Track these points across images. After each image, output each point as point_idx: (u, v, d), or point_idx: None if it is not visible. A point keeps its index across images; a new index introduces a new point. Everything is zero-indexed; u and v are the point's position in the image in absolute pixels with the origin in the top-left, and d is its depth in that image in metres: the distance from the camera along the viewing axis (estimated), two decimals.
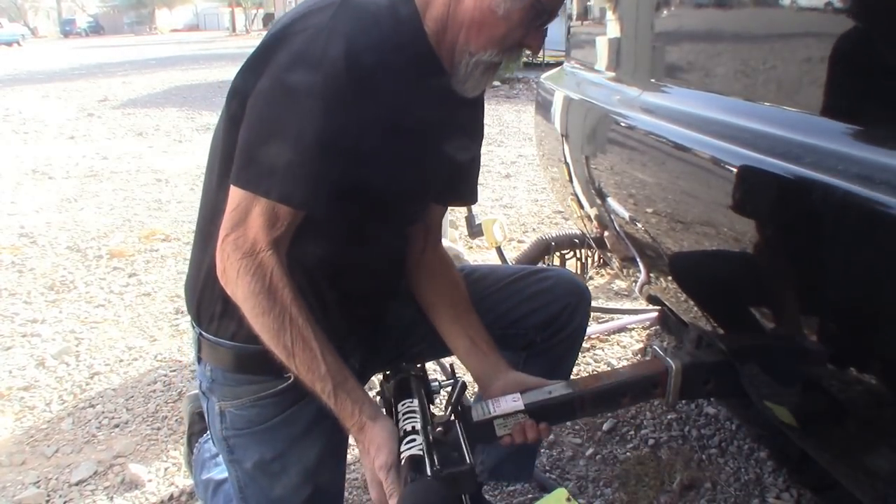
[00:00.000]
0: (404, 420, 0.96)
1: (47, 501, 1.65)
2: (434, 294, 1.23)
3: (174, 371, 2.23)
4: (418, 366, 1.14)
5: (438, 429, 0.92)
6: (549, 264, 2.81)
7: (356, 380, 1.00)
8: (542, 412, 1.09)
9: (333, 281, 1.08)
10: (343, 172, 0.95)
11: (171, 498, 1.65)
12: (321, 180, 0.94)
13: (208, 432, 1.57)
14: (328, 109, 0.91)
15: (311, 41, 0.91)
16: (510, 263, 2.70)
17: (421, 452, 0.87)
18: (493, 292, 1.29)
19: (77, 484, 1.70)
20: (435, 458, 0.86)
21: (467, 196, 1.30)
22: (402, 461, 0.86)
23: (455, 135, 1.12)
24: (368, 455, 0.94)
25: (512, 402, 1.07)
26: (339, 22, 0.91)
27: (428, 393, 1.08)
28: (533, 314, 1.27)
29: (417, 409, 0.99)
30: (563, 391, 1.13)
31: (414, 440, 0.89)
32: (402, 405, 1.00)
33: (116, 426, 1.94)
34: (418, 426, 0.93)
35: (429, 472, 0.83)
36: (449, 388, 1.05)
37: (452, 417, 0.94)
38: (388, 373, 1.13)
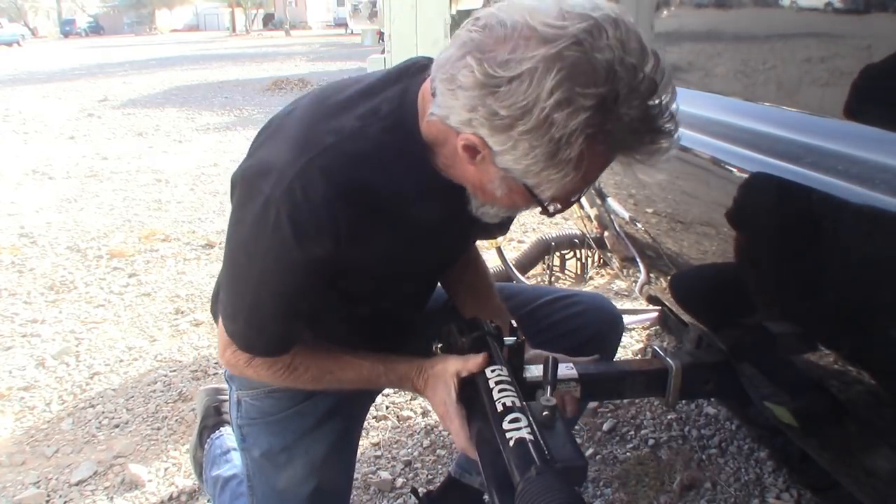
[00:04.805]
0: (498, 393, 0.88)
1: (47, 501, 1.65)
2: (457, 281, 1.22)
3: (174, 371, 2.23)
4: (491, 322, 1.04)
5: (545, 413, 0.85)
6: (548, 264, 2.81)
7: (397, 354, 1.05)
8: (594, 384, 1.05)
9: (361, 331, 1.10)
10: (336, 299, 0.99)
11: (171, 498, 1.65)
12: (284, 334, 0.98)
13: (220, 429, 1.59)
14: (289, 274, 0.89)
15: (273, 201, 0.84)
16: (510, 263, 2.70)
17: (531, 437, 0.79)
18: (522, 315, 1.22)
19: (77, 484, 1.70)
20: (544, 446, 0.78)
21: (496, 233, 1.27)
22: (512, 442, 0.79)
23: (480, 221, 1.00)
24: (432, 395, 1.00)
25: (566, 370, 1.03)
26: (309, 174, 0.84)
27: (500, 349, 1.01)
28: (559, 340, 1.18)
29: (510, 380, 0.91)
30: (617, 368, 1.11)
31: (518, 420, 0.82)
32: (492, 372, 0.93)
33: (116, 426, 1.94)
34: (517, 402, 0.86)
35: (537, 460, 0.75)
36: (512, 343, 1.00)
37: (554, 402, 0.87)
38: (461, 325, 1.04)
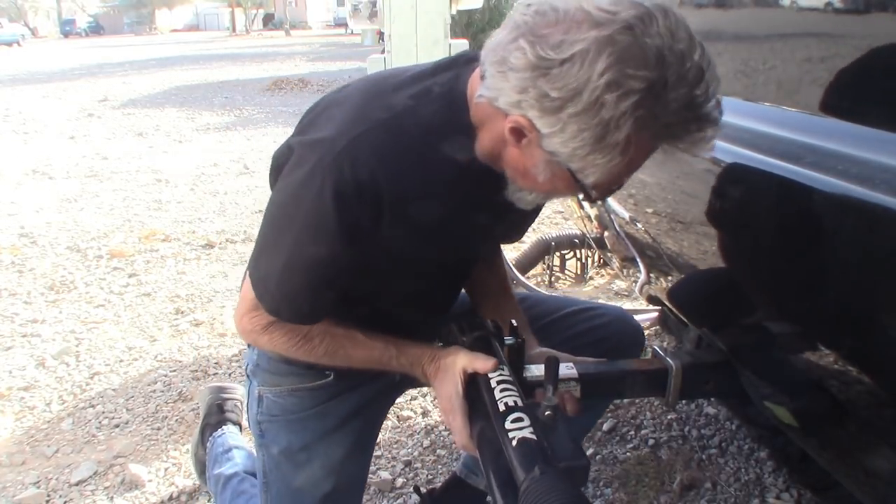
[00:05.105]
0: (500, 393, 0.89)
1: (47, 501, 1.65)
2: (477, 281, 1.22)
3: (174, 371, 2.23)
4: (490, 321, 1.05)
5: (547, 412, 0.85)
6: (548, 264, 2.81)
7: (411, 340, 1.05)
8: (594, 383, 1.06)
9: (386, 322, 1.09)
10: (355, 284, 0.98)
11: (171, 498, 1.65)
12: (313, 301, 0.97)
13: (223, 427, 1.59)
14: (325, 242, 0.89)
15: (320, 168, 0.86)
16: (510, 264, 2.70)
17: (534, 437, 0.80)
18: (545, 324, 1.23)
19: (77, 484, 1.70)
20: (546, 446, 0.78)
21: (514, 237, 1.27)
22: (515, 441, 0.81)
23: (510, 215, 1.01)
24: (439, 386, 1.00)
25: (566, 370, 1.03)
26: (359, 146, 0.85)
27: (501, 349, 1.02)
28: (583, 349, 1.18)
29: (512, 380, 0.92)
30: (618, 367, 1.11)
31: (521, 420, 0.82)
32: (494, 371, 0.94)
33: (116, 426, 1.94)
34: (519, 402, 0.86)
35: (540, 460, 0.76)
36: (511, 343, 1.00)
37: (557, 402, 0.87)
38: (462, 324, 1.06)
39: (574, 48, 0.70)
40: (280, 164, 0.95)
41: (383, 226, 0.89)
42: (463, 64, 0.92)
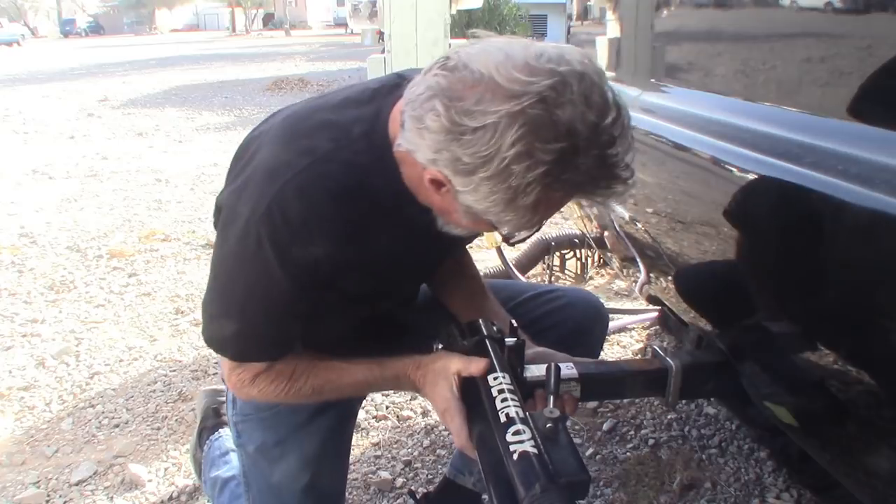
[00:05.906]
0: (501, 402, 0.88)
1: (47, 501, 1.65)
2: (449, 289, 1.24)
3: (174, 371, 2.23)
4: (493, 324, 1.05)
5: (549, 425, 0.85)
6: (548, 264, 2.81)
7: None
8: (594, 384, 1.05)
9: (353, 338, 1.11)
10: (309, 314, 0.99)
11: (170, 498, 1.65)
12: (277, 336, 0.99)
13: (219, 430, 1.59)
14: (276, 290, 0.91)
15: (253, 222, 0.87)
16: (510, 264, 2.70)
17: (535, 451, 0.78)
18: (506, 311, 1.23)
19: (77, 484, 1.70)
20: (548, 460, 0.77)
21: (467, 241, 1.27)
22: (516, 455, 0.79)
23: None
24: (431, 390, 0.99)
25: (566, 370, 1.03)
26: (286, 195, 0.87)
27: (502, 353, 1.01)
28: (544, 333, 1.18)
29: (513, 388, 0.90)
30: (618, 367, 1.11)
31: (521, 433, 0.81)
32: (494, 380, 0.92)
33: (116, 426, 1.94)
34: (520, 413, 0.85)
35: (541, 476, 0.75)
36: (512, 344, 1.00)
37: (559, 413, 0.88)
38: (462, 328, 1.06)
39: (486, 119, 0.71)
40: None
41: (329, 263, 0.91)
42: (385, 94, 0.93)
